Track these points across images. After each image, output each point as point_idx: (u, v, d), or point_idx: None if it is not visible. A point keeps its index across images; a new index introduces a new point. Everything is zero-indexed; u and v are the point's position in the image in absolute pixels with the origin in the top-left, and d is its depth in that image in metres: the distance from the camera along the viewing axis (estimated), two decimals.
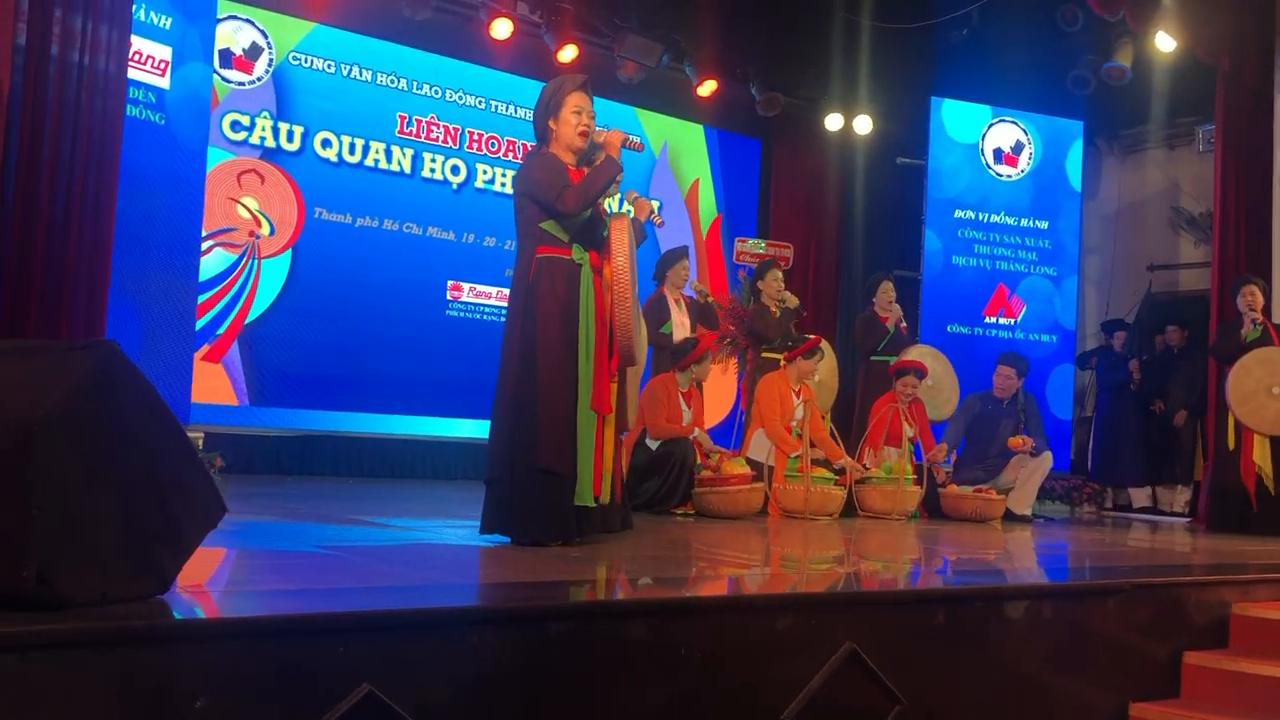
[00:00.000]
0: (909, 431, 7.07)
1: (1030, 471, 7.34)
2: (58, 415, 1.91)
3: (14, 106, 5.21)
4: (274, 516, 4.55)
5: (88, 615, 1.86)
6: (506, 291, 8.54)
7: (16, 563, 1.83)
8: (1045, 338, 9.76)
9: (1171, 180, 10.39)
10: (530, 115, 4.03)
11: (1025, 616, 3.12)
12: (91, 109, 5.44)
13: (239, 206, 7.63)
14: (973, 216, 9.79)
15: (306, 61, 7.98)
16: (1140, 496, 9.44)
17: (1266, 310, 7.16)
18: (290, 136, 7.89)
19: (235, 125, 7.65)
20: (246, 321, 7.63)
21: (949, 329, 9.57)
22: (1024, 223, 9.89)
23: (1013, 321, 9.78)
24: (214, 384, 7.41)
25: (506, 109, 8.81)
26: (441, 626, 2.16)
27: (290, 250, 7.83)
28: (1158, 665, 3.43)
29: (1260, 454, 6.81)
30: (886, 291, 7.81)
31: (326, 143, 8.03)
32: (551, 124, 3.86)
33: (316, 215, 7.95)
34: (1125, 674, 3.34)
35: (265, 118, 7.78)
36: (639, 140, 4.04)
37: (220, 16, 7.16)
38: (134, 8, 5.79)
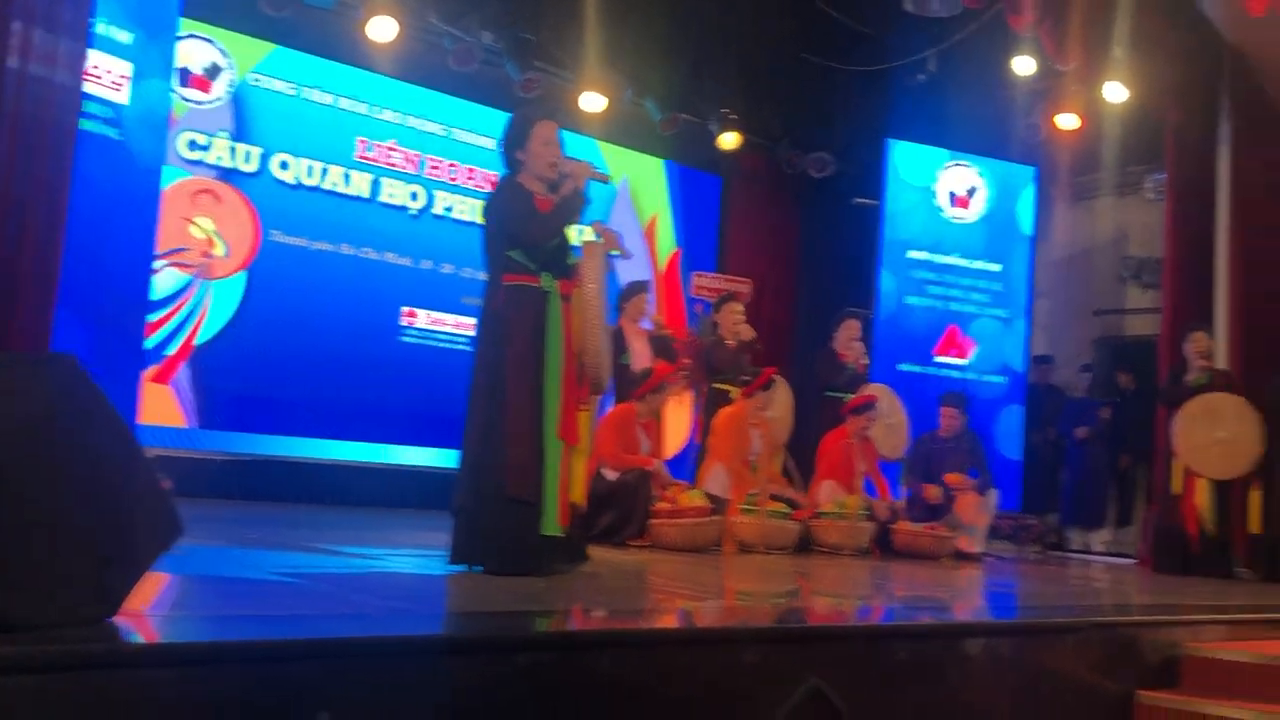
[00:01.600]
0: (862, 468, 7.11)
1: (979, 510, 7.41)
2: (14, 431, 1.85)
3: None
4: (225, 542, 4.45)
5: (33, 638, 1.79)
6: (462, 319, 8.62)
7: None
8: (995, 378, 9.88)
9: (1120, 227, 10.60)
10: (492, 144, 4.03)
11: (984, 654, 3.13)
12: (46, 121, 5.34)
13: (193, 226, 7.52)
14: (926, 257, 9.91)
15: (266, 82, 7.92)
16: (1097, 538, 9.57)
17: (1213, 357, 7.30)
18: (248, 157, 7.81)
19: (192, 144, 7.56)
20: (197, 343, 7.50)
21: (900, 367, 9.66)
22: (976, 265, 10.02)
23: (964, 361, 9.89)
24: (162, 405, 7.27)
25: (467, 136, 8.79)
26: (405, 655, 2.12)
27: (245, 272, 7.73)
28: (1111, 704, 3.45)
29: (1202, 498, 6.92)
30: (850, 329, 7.87)
31: (284, 164, 7.96)
32: (519, 155, 3.87)
33: (272, 238, 7.86)
34: (1080, 713, 3.35)
35: (223, 137, 7.70)
36: (605, 174, 4.05)
37: (181, 34, 7.08)
38: (94, 21, 5.71)
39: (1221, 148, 7.98)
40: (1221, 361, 7.58)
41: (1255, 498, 6.78)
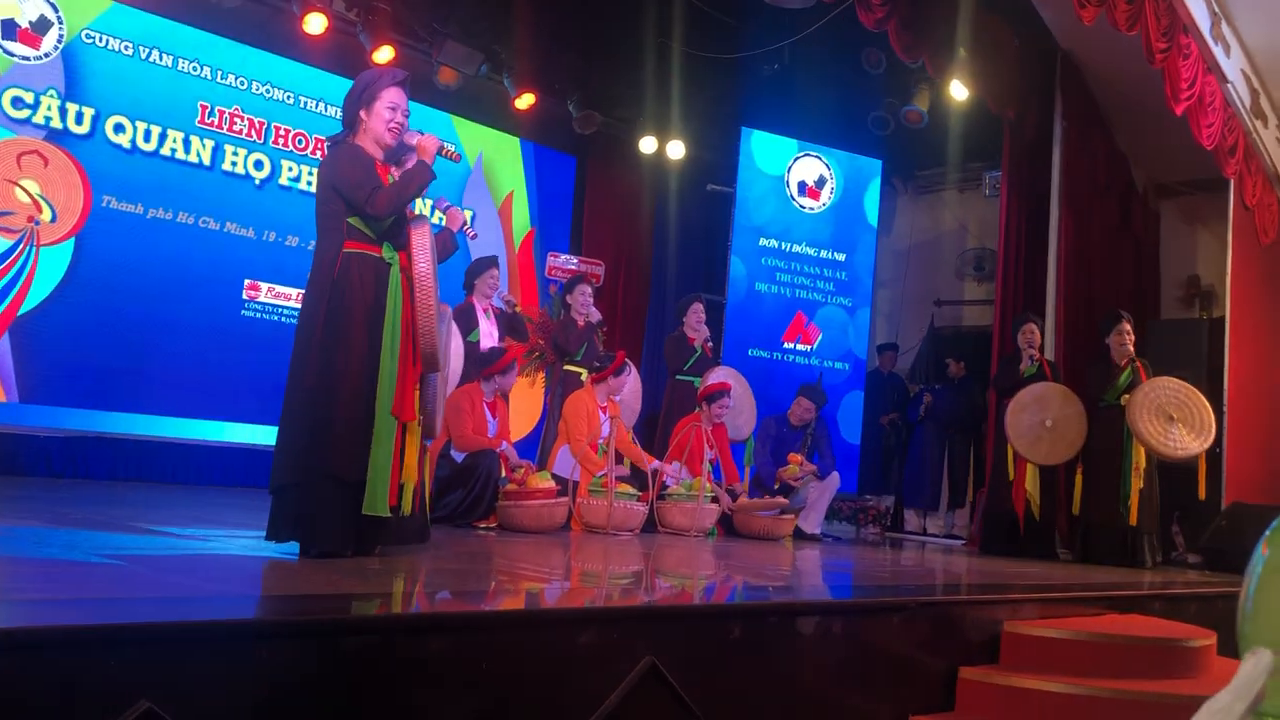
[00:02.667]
0: (710, 453, 7.22)
1: (819, 492, 7.64)
2: None
3: None
4: (43, 522, 4.23)
5: None
6: None
7: None
8: (839, 364, 10.16)
9: (960, 221, 11.03)
10: (341, 114, 3.90)
11: (816, 632, 3.22)
12: None
13: (17, 189, 7.11)
14: (776, 245, 10.10)
15: (101, 40, 7.53)
16: (932, 521, 9.93)
17: (1043, 347, 7.67)
18: (79, 118, 7.42)
19: (17, 102, 7.14)
20: (20, 312, 7.11)
21: (750, 352, 9.84)
22: (823, 254, 10.27)
23: (809, 348, 10.14)
24: None
25: (316, 105, 8.55)
26: (227, 639, 2.05)
27: (73, 239, 7.35)
28: (935, 680, 3.59)
29: (1031, 483, 7.27)
30: (696, 312, 7.97)
31: (119, 127, 7.59)
32: (363, 114, 3.73)
33: (104, 204, 7.50)
34: (905, 688, 3.48)
35: (52, 96, 7.29)
36: (456, 150, 3.96)
37: None
38: None
39: (1054, 147, 8.36)
40: (1050, 351, 7.97)
41: (1078, 482, 7.17)
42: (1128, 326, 7.19)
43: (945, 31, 7.83)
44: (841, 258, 10.31)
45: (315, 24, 7.84)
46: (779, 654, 3.11)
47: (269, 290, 8.25)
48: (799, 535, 7.36)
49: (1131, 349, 7.14)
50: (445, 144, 3.84)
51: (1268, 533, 0.84)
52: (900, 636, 3.48)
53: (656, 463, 6.61)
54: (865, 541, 8.41)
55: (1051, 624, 3.91)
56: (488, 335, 6.59)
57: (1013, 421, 7.23)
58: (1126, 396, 6.98)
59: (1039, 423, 7.17)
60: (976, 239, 10.82)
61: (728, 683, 2.92)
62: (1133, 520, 6.85)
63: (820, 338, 10.13)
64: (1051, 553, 7.23)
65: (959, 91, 8.85)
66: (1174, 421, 6.78)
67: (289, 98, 8.44)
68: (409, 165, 3.72)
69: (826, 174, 10.32)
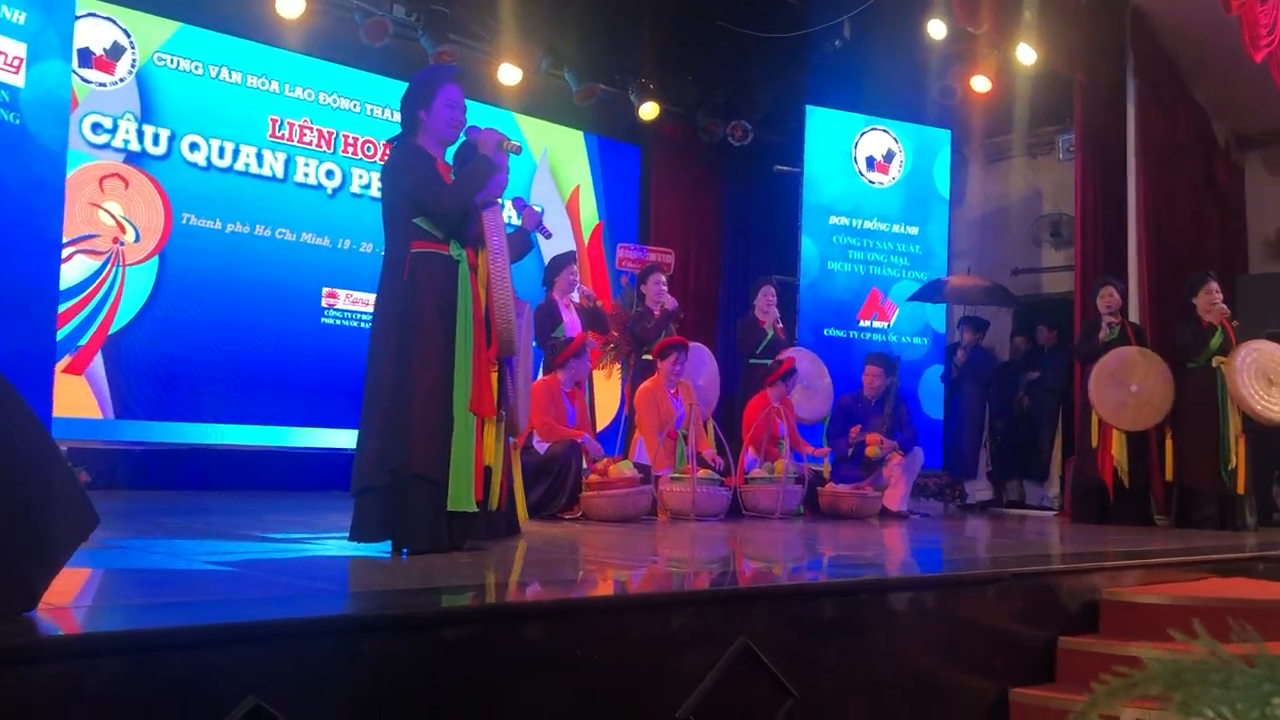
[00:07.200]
0: (784, 433, 7.19)
1: (903, 469, 7.55)
2: None
3: None
4: (144, 533, 4.37)
5: None
6: None
7: None
8: (917, 340, 10.03)
9: (1034, 187, 10.81)
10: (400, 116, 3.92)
11: (909, 608, 3.19)
12: None
13: (101, 212, 7.33)
14: (847, 223, 10.00)
15: (172, 62, 7.72)
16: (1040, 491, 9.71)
17: (1124, 311, 7.49)
18: (156, 140, 7.61)
19: (96, 127, 7.35)
20: (111, 332, 7.32)
21: (826, 332, 9.76)
22: (895, 229, 10.14)
23: (886, 325, 10.02)
24: (76, 397, 7.09)
25: (382, 112, 8.67)
26: (329, 634, 2.10)
27: (157, 258, 7.55)
28: (1035, 651, 3.55)
29: (1118, 450, 7.10)
30: (766, 295, 7.92)
31: (194, 146, 7.78)
32: (422, 114, 3.76)
33: (184, 221, 7.69)
34: (1004, 660, 3.44)
35: (129, 120, 7.49)
36: (517, 143, 3.95)
37: (79, 14, 6.86)
38: None
39: (1128, 106, 8.16)
40: (1134, 314, 7.78)
41: (1169, 447, 7.00)
42: (1215, 286, 6.98)
43: None
44: (914, 231, 10.17)
45: (376, 32, 7.95)
46: (872, 631, 3.09)
47: (346, 297, 8.39)
48: (885, 514, 7.29)
49: (1223, 307, 6.94)
50: (506, 137, 3.86)
51: None
52: (996, 609, 3.44)
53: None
54: (954, 517, 8.30)
55: (1152, 590, 3.83)
56: (571, 330, 6.61)
57: (1096, 387, 7.08)
58: (1219, 358, 6.79)
59: (1124, 388, 7.01)
60: (1052, 204, 10.59)
61: (822, 662, 2.91)
62: (1240, 489, 6.67)
63: (897, 313, 10.01)
64: (1147, 519, 7.06)
65: (1026, 55, 8.66)
66: (1274, 385, 6.59)
67: (355, 106, 8.58)
68: (472, 160, 3.74)
69: (895, 147, 10.18)
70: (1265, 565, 4.63)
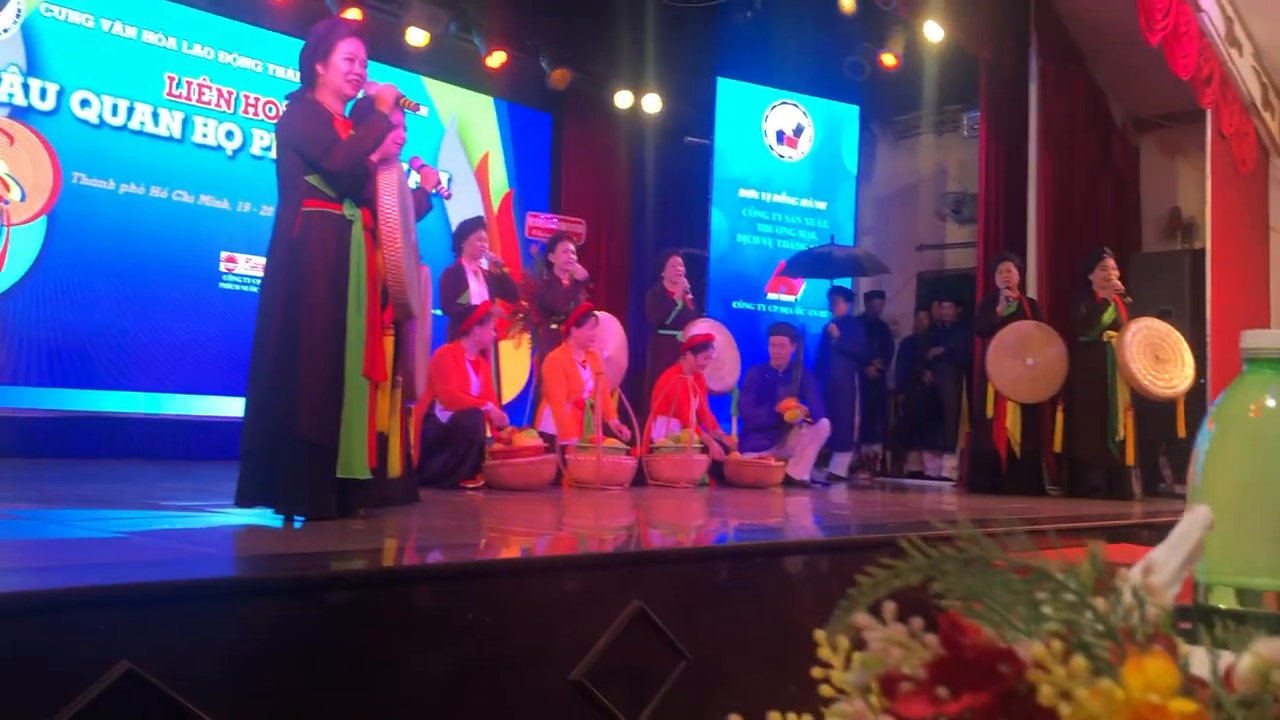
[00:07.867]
0: (694, 403, 7.22)
1: (809, 439, 7.65)
2: None
3: None
4: (28, 501, 4.21)
5: None
6: None
7: None
8: (824, 314, 10.14)
9: (940, 164, 10.98)
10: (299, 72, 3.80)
11: (803, 570, 3.23)
12: None
13: None
14: (756, 196, 10.06)
15: (61, 14, 7.41)
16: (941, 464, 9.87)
17: (1023, 286, 7.66)
18: (43, 94, 7.31)
19: None
20: None
21: (734, 305, 9.82)
22: (804, 203, 10.23)
23: (793, 299, 10.12)
24: None
25: (285, 72, 8.44)
26: (208, 598, 2.04)
27: (45, 218, 7.27)
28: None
29: (1012, 421, 7.30)
30: (675, 265, 7.93)
31: (85, 103, 7.49)
32: (319, 68, 3.64)
33: (75, 180, 7.41)
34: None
35: (14, 73, 7.18)
36: (415, 101, 3.87)
37: None
38: None
39: (1030, 86, 8.31)
40: (1032, 290, 7.97)
41: (1059, 419, 7.20)
42: (1111, 262, 7.18)
43: None
44: (822, 206, 10.27)
45: None
46: (767, 594, 3.12)
47: (246, 261, 8.18)
48: (789, 483, 7.38)
49: (1117, 284, 7.14)
50: (404, 95, 3.77)
51: (1212, 409, 0.84)
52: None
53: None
54: (857, 487, 8.43)
55: (1042, 556, 3.93)
56: (478, 297, 6.54)
57: (994, 361, 7.25)
58: (1110, 333, 6.99)
59: (1020, 362, 7.18)
60: (957, 182, 10.78)
61: (717, 624, 2.92)
62: (1128, 460, 6.89)
63: (804, 287, 10.11)
64: (1039, 489, 7.27)
65: (934, 32, 8.77)
66: (1161, 361, 6.81)
67: (257, 65, 8.34)
68: (368, 117, 3.64)
69: (804, 122, 10.26)
70: (1149, 532, 4.78)
